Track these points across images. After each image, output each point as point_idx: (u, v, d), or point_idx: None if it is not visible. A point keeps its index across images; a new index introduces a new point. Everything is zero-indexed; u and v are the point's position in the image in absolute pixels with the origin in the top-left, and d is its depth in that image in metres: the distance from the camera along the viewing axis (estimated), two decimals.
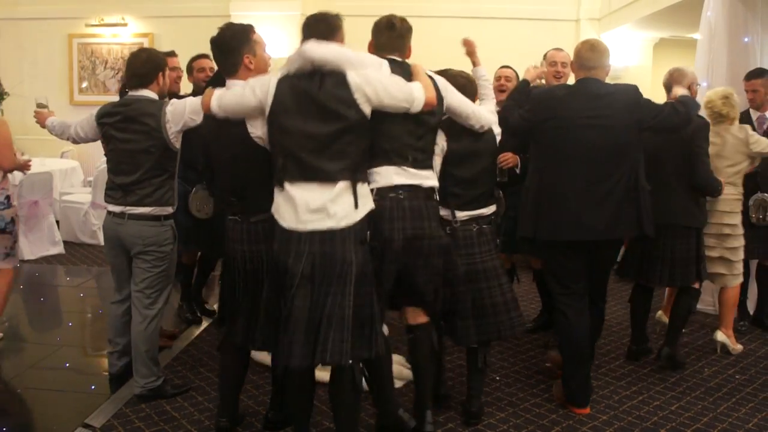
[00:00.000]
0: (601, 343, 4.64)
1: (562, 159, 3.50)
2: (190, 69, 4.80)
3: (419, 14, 8.78)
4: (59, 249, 7.04)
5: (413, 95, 2.83)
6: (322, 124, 2.73)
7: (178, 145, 3.53)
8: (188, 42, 8.08)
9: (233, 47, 3.00)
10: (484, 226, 3.43)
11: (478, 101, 3.61)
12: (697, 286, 4.24)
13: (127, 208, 3.53)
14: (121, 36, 9.32)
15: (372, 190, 2.94)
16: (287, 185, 2.76)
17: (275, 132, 2.81)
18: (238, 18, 8.09)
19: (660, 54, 9.27)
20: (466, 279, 3.32)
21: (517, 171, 4.31)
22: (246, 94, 2.84)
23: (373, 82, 2.76)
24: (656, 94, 9.85)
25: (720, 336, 4.52)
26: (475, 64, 3.84)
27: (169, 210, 3.60)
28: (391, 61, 3.05)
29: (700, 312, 5.35)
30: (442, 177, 3.29)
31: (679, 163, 4.04)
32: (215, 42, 3.02)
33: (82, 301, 5.61)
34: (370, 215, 2.83)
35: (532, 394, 3.87)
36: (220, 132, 3.00)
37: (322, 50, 2.76)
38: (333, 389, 2.96)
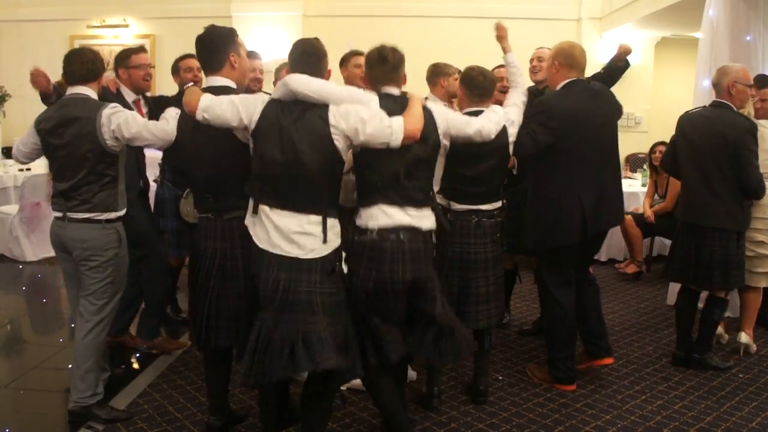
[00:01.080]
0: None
1: (575, 162, 3.67)
2: (176, 68, 4.62)
3: (420, 14, 8.83)
4: None
5: (392, 129, 2.76)
6: (296, 157, 2.71)
7: (118, 149, 3.36)
8: (189, 43, 8.05)
9: (221, 45, 3.02)
10: (484, 220, 3.49)
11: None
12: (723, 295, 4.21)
13: (68, 213, 3.38)
14: (122, 37, 9.31)
15: (371, 230, 2.93)
16: (262, 207, 2.79)
17: (256, 154, 2.82)
18: (240, 19, 8.19)
19: (662, 53, 9.26)
20: (459, 266, 3.47)
21: (515, 172, 4.32)
22: (232, 110, 2.80)
23: (351, 116, 2.73)
24: (658, 93, 9.90)
25: (744, 338, 4.48)
26: (505, 50, 3.81)
27: (113, 215, 3.41)
28: (385, 96, 3.00)
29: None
30: (446, 173, 3.31)
31: (723, 165, 3.98)
32: (203, 39, 3.03)
33: None
34: (340, 250, 2.85)
35: (534, 393, 3.87)
36: (198, 127, 2.96)
37: (307, 86, 2.76)
38: (308, 396, 2.96)
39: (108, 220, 3.40)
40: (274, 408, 3.09)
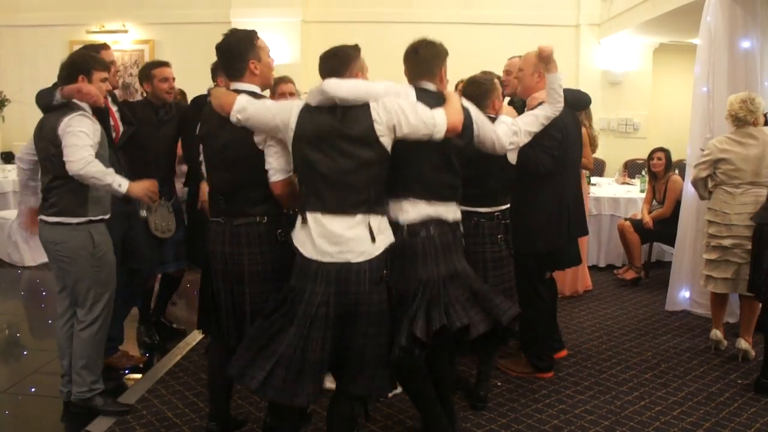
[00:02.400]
0: (602, 349, 4.67)
1: (562, 171, 3.87)
2: (149, 76, 4.31)
3: (420, 20, 8.84)
4: None
5: (434, 120, 2.74)
6: (341, 157, 2.69)
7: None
8: (189, 49, 8.11)
9: (239, 53, 2.99)
10: (483, 221, 3.54)
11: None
12: None
13: (42, 216, 3.46)
14: (121, 43, 9.33)
15: (402, 226, 2.91)
16: (308, 215, 2.75)
17: (298, 161, 2.80)
18: (239, 24, 8.13)
19: (660, 59, 9.28)
20: None
21: None
22: (267, 114, 2.82)
23: (393, 109, 2.70)
24: (656, 99, 9.93)
25: (743, 344, 4.46)
26: (549, 71, 3.65)
27: (82, 219, 3.40)
28: (421, 90, 2.97)
29: (702, 317, 5.35)
30: None
31: None
32: (221, 48, 3.01)
33: None
34: (390, 252, 2.79)
35: (533, 399, 3.86)
36: (219, 132, 2.96)
37: (344, 88, 2.73)
38: (332, 414, 2.93)
39: (79, 223, 3.41)
40: (292, 417, 3.03)
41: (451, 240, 2.99)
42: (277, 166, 2.89)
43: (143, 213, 4.12)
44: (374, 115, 2.68)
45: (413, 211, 2.92)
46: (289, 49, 8.61)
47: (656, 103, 9.31)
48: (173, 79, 4.35)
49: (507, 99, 4.54)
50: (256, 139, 2.90)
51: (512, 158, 3.51)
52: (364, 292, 2.68)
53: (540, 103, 3.65)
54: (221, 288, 3.08)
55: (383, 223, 2.79)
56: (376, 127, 2.68)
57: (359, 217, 2.70)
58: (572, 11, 9.09)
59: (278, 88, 4.36)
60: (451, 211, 3.01)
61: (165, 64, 4.39)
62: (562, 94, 3.65)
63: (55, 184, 3.39)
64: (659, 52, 9.24)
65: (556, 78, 3.62)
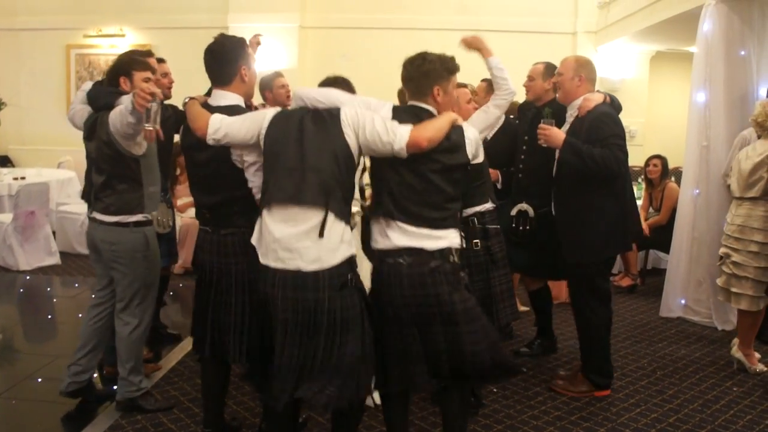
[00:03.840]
0: None
1: (623, 174, 3.85)
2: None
3: (416, 27, 8.86)
4: (55, 259, 7.02)
5: (395, 133, 2.61)
6: (306, 153, 2.66)
7: (134, 151, 3.36)
8: (186, 53, 8.06)
9: (232, 57, 2.99)
10: None
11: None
12: None
13: (95, 214, 3.50)
14: (119, 47, 9.30)
15: (374, 251, 2.83)
16: (266, 218, 2.69)
17: (266, 162, 2.75)
18: (237, 30, 8.18)
19: (656, 67, 9.31)
20: None
21: (499, 186, 4.35)
22: (243, 128, 2.78)
23: (360, 114, 2.68)
24: (653, 107, 9.96)
25: (736, 352, 4.47)
26: (485, 55, 3.70)
27: (140, 218, 3.46)
28: (409, 108, 2.86)
29: (697, 324, 5.36)
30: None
31: None
32: (213, 50, 2.99)
33: (77, 312, 5.58)
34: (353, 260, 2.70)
35: (529, 406, 3.86)
36: (201, 146, 2.94)
37: (315, 92, 2.78)
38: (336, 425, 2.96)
39: (136, 223, 3.47)
40: (287, 424, 2.98)
41: (426, 271, 2.73)
42: (260, 183, 2.84)
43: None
44: (342, 115, 2.68)
45: (384, 238, 2.79)
46: (286, 54, 8.62)
47: (653, 110, 9.33)
48: (170, 73, 4.34)
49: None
50: (233, 156, 2.89)
51: (481, 158, 3.23)
52: (321, 299, 2.60)
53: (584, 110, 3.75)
54: (212, 299, 3.09)
55: (347, 232, 2.69)
56: (343, 126, 2.66)
57: (316, 220, 2.62)
58: (569, 19, 9.12)
59: (276, 82, 4.39)
60: (435, 238, 2.76)
61: (162, 60, 4.38)
62: (506, 77, 3.67)
63: (111, 183, 3.43)
64: (656, 60, 9.27)
65: (496, 61, 3.66)
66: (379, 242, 2.81)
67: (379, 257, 2.83)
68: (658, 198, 6.53)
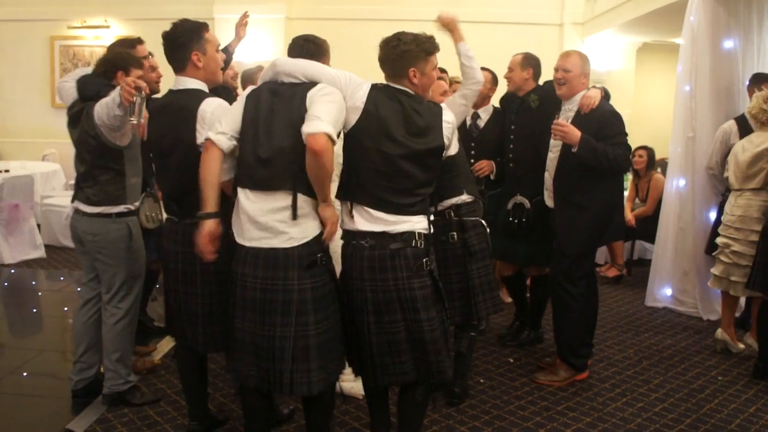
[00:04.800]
0: None
1: None
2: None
3: (403, 18, 8.76)
4: (40, 253, 6.96)
5: (317, 117, 2.55)
6: (273, 134, 2.64)
7: (119, 142, 3.31)
8: None
9: (182, 43, 2.96)
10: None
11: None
12: None
13: (77, 203, 3.48)
14: (103, 38, 9.22)
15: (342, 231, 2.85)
16: (239, 191, 2.72)
17: (241, 141, 2.74)
18: (222, 21, 8.14)
19: (643, 58, 9.33)
20: None
21: (492, 177, 4.37)
22: (232, 113, 2.78)
23: (318, 95, 2.64)
24: (639, 98, 9.98)
25: (720, 334, 4.57)
26: (456, 40, 3.61)
27: (122, 208, 3.45)
28: (384, 87, 2.81)
29: (683, 314, 5.40)
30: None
31: None
32: (166, 36, 2.97)
33: (63, 306, 5.55)
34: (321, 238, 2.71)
35: (516, 396, 3.87)
36: (165, 136, 2.94)
37: (293, 65, 2.74)
38: (307, 411, 2.95)
39: (118, 214, 3.45)
40: (262, 413, 2.95)
41: (387, 255, 2.73)
42: (226, 167, 2.79)
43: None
44: (307, 98, 2.64)
45: (349, 221, 2.81)
46: (272, 45, 8.56)
47: (639, 102, 9.35)
48: (158, 67, 4.27)
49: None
50: (200, 141, 2.84)
51: (454, 150, 3.18)
52: (292, 277, 2.64)
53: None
54: (178, 290, 3.07)
55: (312, 212, 2.69)
56: (308, 105, 2.62)
57: (286, 198, 2.64)
58: (556, 10, 9.11)
59: (259, 74, 4.34)
60: (394, 223, 2.75)
61: (150, 54, 4.32)
62: (474, 66, 3.61)
63: (93, 173, 3.40)
64: (642, 52, 9.28)
65: (465, 48, 3.59)
66: (346, 223, 2.83)
67: (345, 239, 2.85)
68: (644, 189, 6.56)
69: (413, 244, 2.76)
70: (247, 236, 2.69)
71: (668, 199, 5.56)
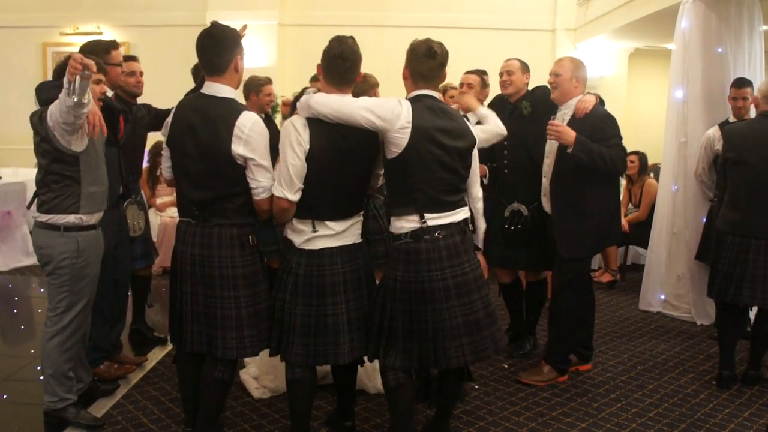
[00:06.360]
0: None
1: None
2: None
3: (396, 24, 8.85)
4: (33, 260, 6.90)
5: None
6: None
7: (74, 147, 3.20)
8: (164, 51, 8.03)
9: (229, 45, 2.93)
10: None
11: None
12: None
13: (34, 214, 3.37)
14: None
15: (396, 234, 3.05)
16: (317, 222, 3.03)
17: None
18: None
19: (635, 64, 9.38)
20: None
21: (485, 181, 4.36)
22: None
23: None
24: (631, 103, 10.01)
25: None
26: (474, 110, 3.71)
27: (72, 219, 3.25)
28: (421, 97, 2.97)
29: (677, 319, 5.41)
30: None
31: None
32: (213, 34, 2.91)
33: None
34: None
35: (511, 402, 3.87)
36: (194, 140, 2.91)
37: (327, 107, 2.84)
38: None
39: (66, 227, 3.26)
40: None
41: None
42: (266, 185, 2.90)
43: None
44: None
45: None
46: (266, 52, 8.57)
47: (632, 107, 9.38)
48: (141, 73, 4.21)
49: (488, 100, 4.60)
50: (235, 152, 2.85)
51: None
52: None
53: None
54: (188, 291, 3.04)
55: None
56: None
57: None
58: (548, 16, 9.15)
59: (265, 89, 4.33)
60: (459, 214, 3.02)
61: (132, 57, 4.25)
62: (498, 122, 3.64)
63: (47, 180, 3.27)
64: (634, 57, 9.33)
65: (481, 111, 3.69)
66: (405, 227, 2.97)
67: (413, 236, 2.95)
68: (637, 194, 6.59)
69: (470, 229, 3.12)
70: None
71: (661, 205, 5.58)
